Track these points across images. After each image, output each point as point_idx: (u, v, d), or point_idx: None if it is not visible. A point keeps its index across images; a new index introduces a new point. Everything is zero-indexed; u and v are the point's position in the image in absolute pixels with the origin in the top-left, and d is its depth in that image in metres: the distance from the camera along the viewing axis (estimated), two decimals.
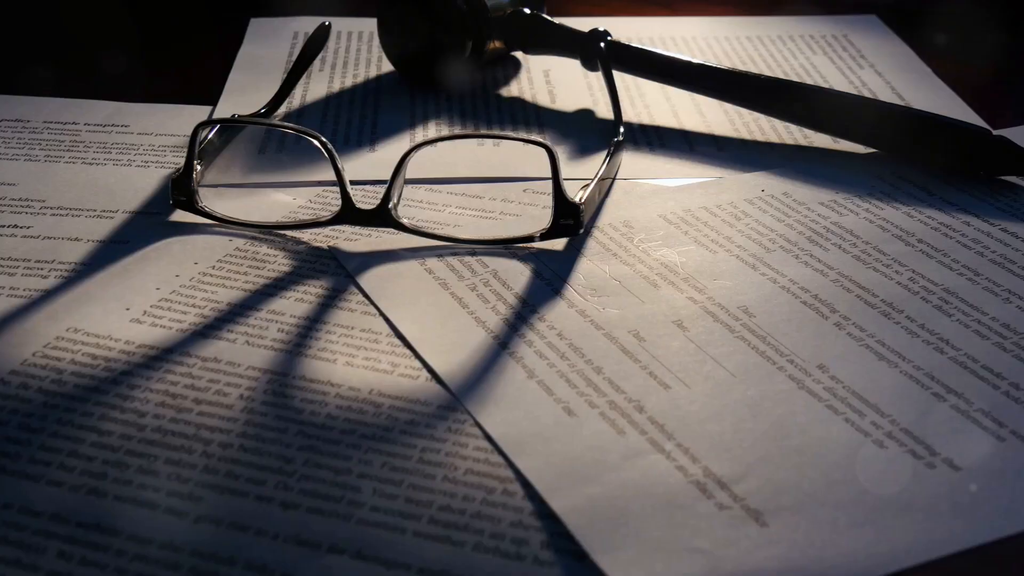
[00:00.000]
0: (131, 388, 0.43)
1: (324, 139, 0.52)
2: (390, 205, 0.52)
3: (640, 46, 0.67)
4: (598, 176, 0.55)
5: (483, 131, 0.65)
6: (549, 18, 0.70)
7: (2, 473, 0.39)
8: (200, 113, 0.67)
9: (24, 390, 0.42)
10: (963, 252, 0.52)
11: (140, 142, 0.63)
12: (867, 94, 0.70)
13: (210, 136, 0.58)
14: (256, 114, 0.64)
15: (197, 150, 0.53)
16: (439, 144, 0.62)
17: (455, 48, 0.69)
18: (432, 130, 0.65)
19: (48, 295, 0.48)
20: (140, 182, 0.59)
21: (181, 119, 0.66)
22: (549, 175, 0.58)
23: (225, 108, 0.67)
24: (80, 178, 0.59)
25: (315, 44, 0.68)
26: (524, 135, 0.53)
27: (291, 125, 0.54)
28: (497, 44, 0.71)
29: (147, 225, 0.54)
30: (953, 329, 0.46)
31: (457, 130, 0.65)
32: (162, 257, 0.51)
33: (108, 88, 0.71)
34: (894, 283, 0.49)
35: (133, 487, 0.38)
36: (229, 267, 0.51)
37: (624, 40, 0.67)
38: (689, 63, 0.66)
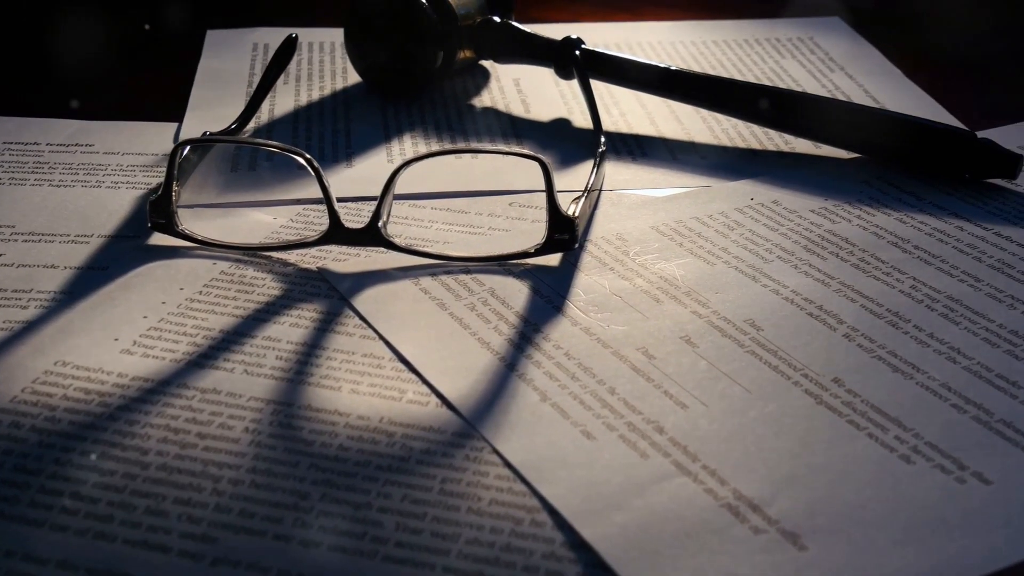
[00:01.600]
0: (130, 424, 0.41)
1: (309, 156, 0.50)
2: (380, 223, 0.50)
3: (615, 53, 0.66)
4: (588, 188, 0.54)
5: (473, 145, 0.64)
6: (520, 26, 0.69)
7: (1, 518, 0.37)
8: (166, 130, 0.65)
9: (16, 429, 0.40)
10: (961, 258, 0.51)
11: (107, 162, 0.61)
12: (841, 97, 0.70)
13: (185, 154, 0.56)
14: (228, 131, 0.63)
15: (175, 171, 0.52)
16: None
17: (426, 58, 0.67)
18: (408, 143, 0.64)
19: (31, 327, 0.46)
20: (112, 204, 0.57)
21: (147, 137, 0.64)
22: (533, 187, 0.57)
23: (191, 124, 0.65)
24: (49, 201, 0.57)
25: (282, 57, 0.66)
26: (516, 149, 0.52)
27: (275, 143, 0.53)
28: (467, 53, 0.70)
29: (125, 249, 0.52)
30: (963, 338, 0.46)
31: (443, 144, 0.63)
32: (146, 283, 0.49)
33: (64, 105, 0.68)
34: (896, 291, 0.49)
35: (143, 530, 0.36)
36: (216, 292, 0.49)
37: (591, 47, 0.66)
38: (668, 70, 0.65)
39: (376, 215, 0.50)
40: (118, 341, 0.45)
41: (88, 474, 0.38)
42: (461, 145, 0.64)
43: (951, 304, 0.48)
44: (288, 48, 0.67)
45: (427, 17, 0.66)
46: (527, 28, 0.69)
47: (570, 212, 0.51)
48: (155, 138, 0.64)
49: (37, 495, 0.38)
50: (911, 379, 0.43)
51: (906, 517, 0.37)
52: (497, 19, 0.69)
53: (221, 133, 0.62)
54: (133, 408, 0.42)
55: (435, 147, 0.63)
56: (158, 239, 0.53)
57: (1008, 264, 0.51)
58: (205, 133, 0.61)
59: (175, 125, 0.66)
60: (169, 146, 0.63)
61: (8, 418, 0.41)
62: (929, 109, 0.68)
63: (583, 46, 0.66)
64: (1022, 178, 0.58)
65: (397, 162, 0.60)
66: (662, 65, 0.66)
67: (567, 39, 0.67)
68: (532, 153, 0.50)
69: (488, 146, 0.63)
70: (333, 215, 0.50)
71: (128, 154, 0.62)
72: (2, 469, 0.39)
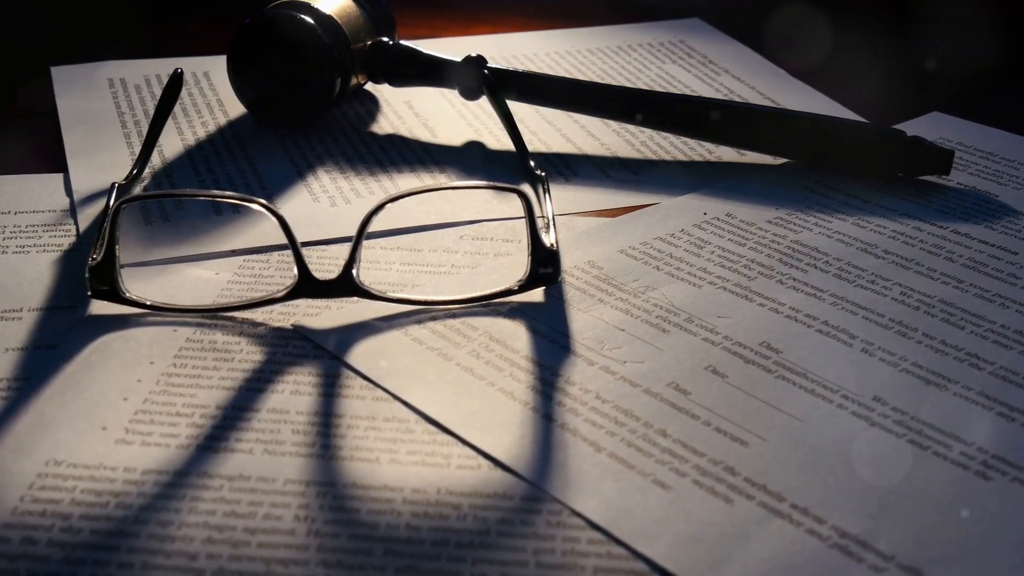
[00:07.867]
0: (162, 525, 0.36)
1: (264, 202, 0.47)
2: (354, 271, 0.47)
3: (527, 70, 0.65)
4: (551, 216, 0.52)
5: (448, 183, 0.59)
6: (415, 47, 0.66)
7: None
8: (52, 182, 0.59)
9: (32, 546, 0.36)
10: (934, 260, 0.52)
11: (1, 223, 0.55)
12: (738, 100, 0.69)
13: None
14: (131, 178, 0.58)
15: (116, 231, 0.47)
16: (352, 196, 0.58)
17: (323, 86, 0.63)
18: (325, 179, 0.60)
19: None
20: (30, 272, 0.51)
21: (34, 191, 0.58)
22: (480, 217, 0.55)
23: (81, 174, 0.60)
24: None
25: (171, 94, 0.61)
26: (494, 183, 0.49)
27: (231, 194, 0.49)
28: (360, 78, 0.67)
29: (68, 323, 0.47)
30: (975, 342, 0.46)
31: (414, 185, 0.59)
32: (108, 360, 0.45)
33: None
34: (889, 299, 0.49)
35: None
36: (192, 362, 0.45)
37: (494, 65, 0.64)
38: (594, 85, 0.64)
39: (350, 262, 0.47)
40: (107, 430, 0.41)
41: None
42: (439, 183, 0.60)
43: (947, 308, 0.48)
44: (175, 84, 0.62)
45: (321, 42, 0.63)
46: (418, 46, 0.66)
47: (550, 244, 0.48)
48: (43, 192, 0.58)
49: None
50: (946, 390, 0.43)
51: (1013, 539, 0.36)
52: (388, 41, 0.66)
53: (127, 181, 0.57)
54: (159, 507, 0.37)
55: (398, 185, 0.59)
56: (99, 307, 0.48)
57: (980, 263, 0.51)
58: (113, 185, 0.56)
59: (59, 176, 0.60)
60: (62, 199, 0.58)
61: (18, 534, 0.36)
62: (828, 107, 0.69)
63: (489, 65, 0.64)
64: (953, 173, 0.59)
65: (324, 202, 0.58)
66: (579, 79, 0.64)
67: (468, 58, 0.64)
68: (514, 187, 0.48)
69: (463, 182, 0.59)
70: (302, 267, 0.47)
71: (21, 212, 0.56)
72: None
